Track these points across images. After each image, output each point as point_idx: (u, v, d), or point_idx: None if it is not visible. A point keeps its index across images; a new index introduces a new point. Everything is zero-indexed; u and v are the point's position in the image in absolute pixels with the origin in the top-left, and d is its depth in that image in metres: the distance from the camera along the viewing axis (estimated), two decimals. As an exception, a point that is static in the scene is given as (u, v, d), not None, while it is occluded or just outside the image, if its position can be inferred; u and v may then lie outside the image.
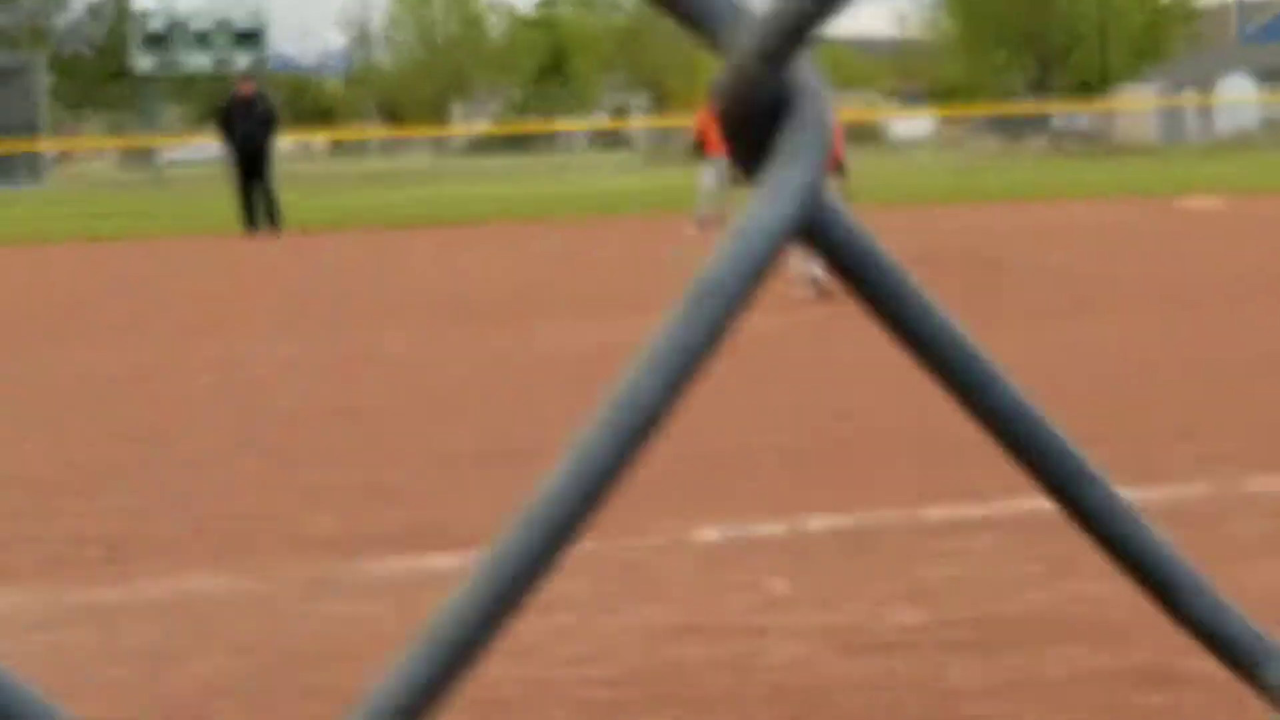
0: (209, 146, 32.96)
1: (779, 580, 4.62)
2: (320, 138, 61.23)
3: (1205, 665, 1.50)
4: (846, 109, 49.19)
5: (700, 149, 18.54)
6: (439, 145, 61.91)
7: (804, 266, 13.32)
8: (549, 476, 0.37)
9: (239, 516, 5.65)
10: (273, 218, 22.22)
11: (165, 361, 10.16)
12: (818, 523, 5.25)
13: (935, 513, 5.32)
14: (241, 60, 46.28)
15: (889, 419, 7.04)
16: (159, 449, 7.14)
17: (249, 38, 49.64)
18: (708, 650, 4.06)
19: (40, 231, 23.51)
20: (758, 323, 5.16)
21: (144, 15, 49.25)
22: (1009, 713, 3.70)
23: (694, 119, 20.75)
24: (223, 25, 49.18)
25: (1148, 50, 63.65)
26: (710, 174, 18.10)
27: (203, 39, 49.06)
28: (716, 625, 4.27)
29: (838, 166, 15.37)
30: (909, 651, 4.02)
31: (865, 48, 67.19)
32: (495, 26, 75.09)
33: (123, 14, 54.95)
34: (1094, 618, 4.13)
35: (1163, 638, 2.56)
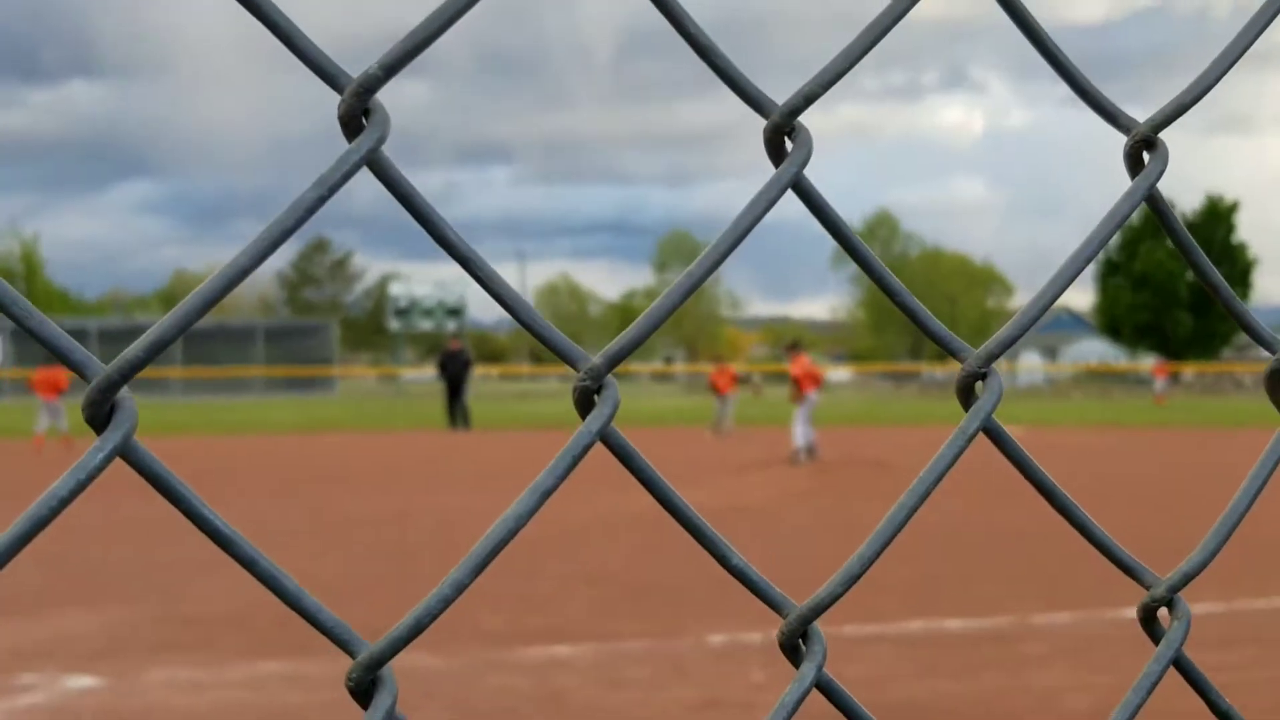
0: (430, 375, 49.20)
1: (759, 671, 6.96)
2: (495, 371, 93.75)
3: None
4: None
5: (713, 389, 30.89)
6: (564, 378, 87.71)
7: (802, 441, 19.93)
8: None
9: (448, 614, 8.48)
10: (466, 420, 33.23)
11: (406, 508, 15.01)
12: (781, 641, 7.98)
13: (850, 629, 7.98)
14: (451, 324, 69.80)
15: (827, 566, 9.98)
16: (404, 565, 10.50)
17: (455, 312, 76.81)
18: (717, 716, 6.16)
19: (333, 422, 36.55)
20: (752, 497, 9.38)
21: (395, 297, 78.45)
22: None
23: (709, 371, 34.57)
24: (440, 304, 76.61)
25: (979, 333, 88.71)
26: (719, 404, 30.05)
27: (429, 312, 77.19)
28: (722, 700, 6.38)
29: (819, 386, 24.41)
30: None
31: (810, 326, 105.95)
32: (595, 308, 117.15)
33: (383, 296, 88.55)
34: (945, 704, 6.29)
35: (988, 719, 5.41)
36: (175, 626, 8.26)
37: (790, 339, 24.69)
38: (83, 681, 6.77)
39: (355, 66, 0.66)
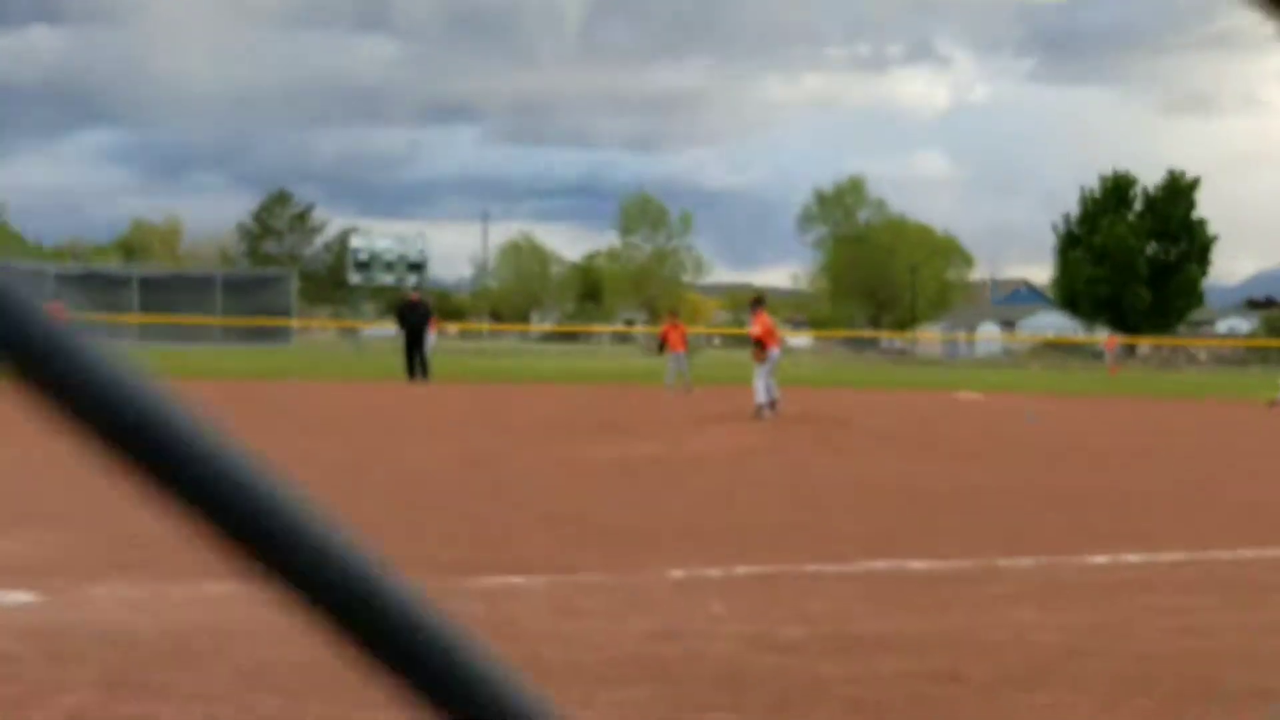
0: (390, 330, 48.86)
1: (718, 604, 6.76)
2: (453, 328, 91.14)
3: (981, 671, 4.88)
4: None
5: (661, 347, 30.76)
6: (523, 336, 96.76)
7: (764, 396, 20.79)
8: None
9: (400, 546, 8.25)
10: (425, 372, 32.65)
11: (361, 451, 14.83)
12: (742, 570, 7.76)
13: (813, 568, 7.82)
14: (412, 279, 69.62)
15: (788, 514, 10.46)
16: (355, 502, 10.27)
17: (417, 266, 76.29)
18: (675, 647, 5.84)
19: (286, 373, 35.60)
20: (709, 449, 9.18)
21: (356, 250, 77.52)
22: (854, 694, 5.15)
23: (659, 329, 33.86)
24: (402, 259, 76.05)
25: (938, 304, 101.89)
26: (670, 362, 30.11)
27: (389, 266, 76.53)
28: (681, 631, 6.13)
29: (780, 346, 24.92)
30: (796, 653, 5.75)
31: (772, 294, 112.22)
32: (558, 269, 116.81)
33: (344, 249, 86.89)
34: (909, 638, 6.08)
35: (954, 652, 5.30)
36: (118, 548, 7.99)
37: (754, 295, 24.51)
38: (19, 597, 6.52)
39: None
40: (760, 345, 22.44)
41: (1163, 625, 6.58)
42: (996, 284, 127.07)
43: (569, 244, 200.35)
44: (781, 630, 6.26)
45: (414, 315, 33.45)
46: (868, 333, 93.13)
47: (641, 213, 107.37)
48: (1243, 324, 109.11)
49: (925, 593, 7.26)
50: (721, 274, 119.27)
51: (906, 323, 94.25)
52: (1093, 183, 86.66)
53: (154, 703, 4.82)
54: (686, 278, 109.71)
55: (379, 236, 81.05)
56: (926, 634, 6.26)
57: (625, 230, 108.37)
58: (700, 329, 76.06)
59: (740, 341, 78.33)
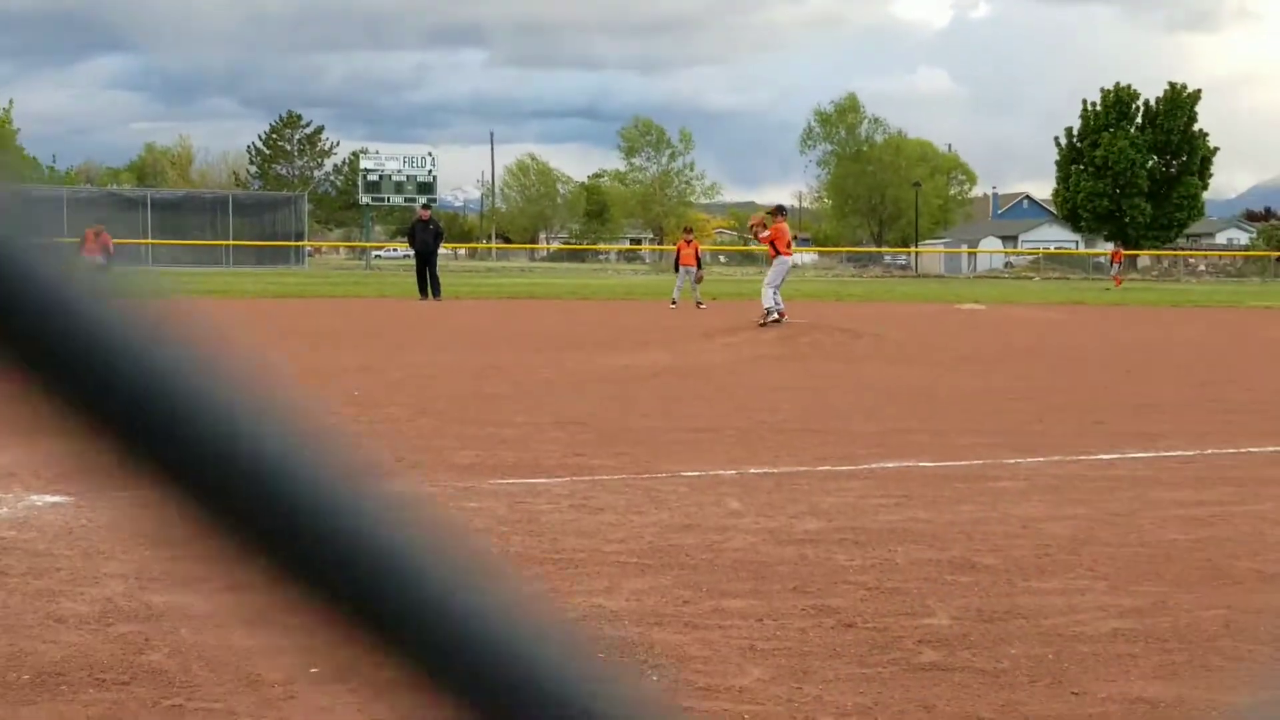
0: (399, 250, 53.73)
1: (734, 501, 6.90)
2: (463, 248, 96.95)
3: (994, 560, 5.06)
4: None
5: (675, 264, 31.59)
6: (531, 255, 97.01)
7: (770, 303, 21.16)
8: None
9: (419, 450, 8.44)
10: (436, 290, 32.65)
11: (377, 363, 15.01)
12: (756, 470, 7.89)
13: (825, 468, 7.95)
14: (421, 199, 68.47)
15: (798, 417, 10.58)
16: (373, 412, 10.41)
17: (426, 186, 77.63)
18: (694, 538, 5.97)
19: (301, 290, 37.12)
20: (718, 358, 9.37)
21: (366, 171, 78.59)
22: (871, 581, 5.27)
23: (674, 247, 35.13)
24: (411, 179, 77.45)
25: (940, 220, 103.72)
26: (680, 276, 30.92)
27: (399, 186, 77.97)
28: (699, 524, 6.26)
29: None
30: (813, 544, 5.89)
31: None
32: (564, 188, 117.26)
33: (354, 170, 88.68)
34: (922, 530, 6.20)
35: (967, 542, 5.44)
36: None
37: (776, 206, 24.56)
38: (50, 499, 6.65)
39: None
40: (773, 246, 22.87)
41: (1169, 515, 6.70)
42: (998, 198, 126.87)
43: (575, 163, 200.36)
44: (798, 524, 6.39)
45: (424, 233, 33.39)
46: (871, 249, 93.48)
47: (641, 136, 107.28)
48: (1241, 236, 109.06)
49: (936, 488, 7.38)
50: (725, 194, 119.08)
51: (909, 239, 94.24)
52: (1094, 98, 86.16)
53: (184, 593, 4.94)
54: (696, 199, 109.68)
55: (388, 158, 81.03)
56: (939, 526, 6.39)
57: (628, 153, 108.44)
58: (707, 246, 75.93)
59: (746, 258, 78.49)
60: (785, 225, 23.69)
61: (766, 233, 23.26)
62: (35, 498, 6.68)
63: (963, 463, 8.31)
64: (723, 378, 13.71)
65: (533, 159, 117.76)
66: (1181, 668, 4.29)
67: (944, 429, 9.96)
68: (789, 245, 23.36)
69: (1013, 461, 8.42)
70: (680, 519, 6.48)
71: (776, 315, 21.70)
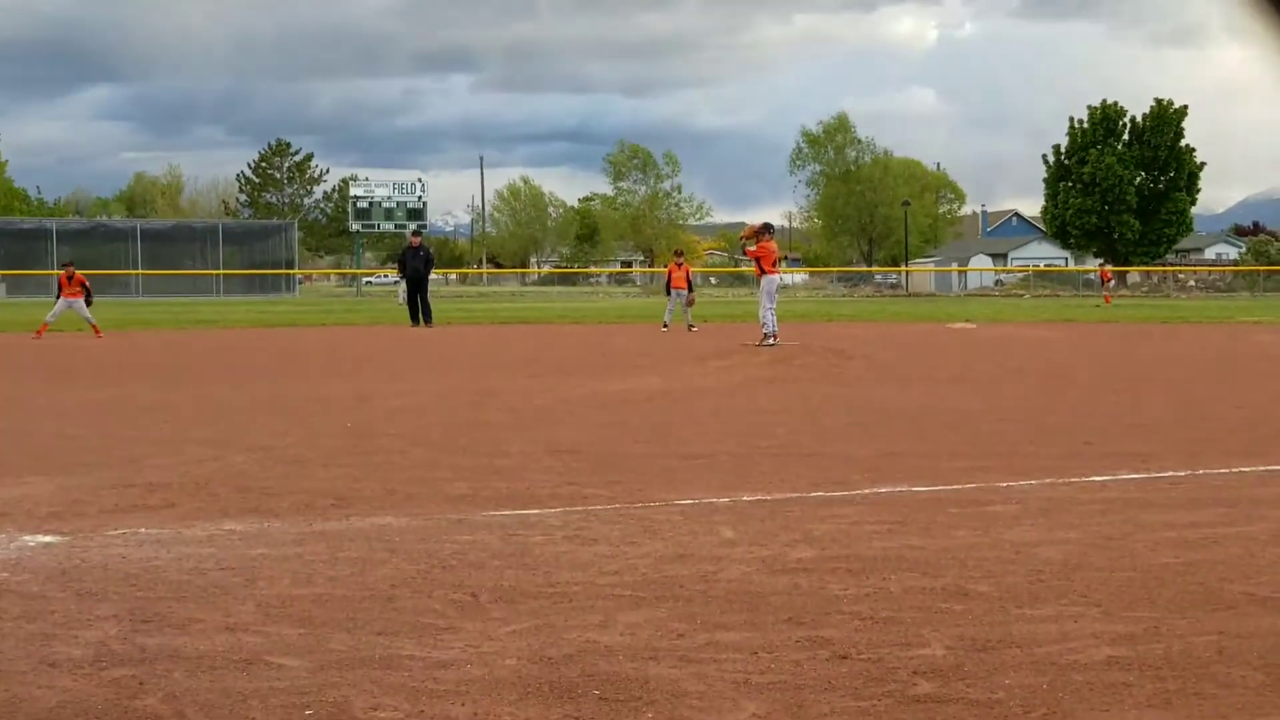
0: (390, 277, 52.98)
1: (728, 529, 6.87)
2: (454, 273, 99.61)
3: (987, 587, 5.07)
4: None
5: (667, 287, 31.58)
6: (522, 279, 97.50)
7: (771, 325, 21.20)
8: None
9: (412, 482, 8.45)
10: (428, 317, 32.86)
11: (369, 391, 15.04)
12: (749, 497, 7.89)
13: (818, 494, 7.96)
14: (411, 225, 69.67)
15: (791, 442, 10.61)
16: (367, 441, 10.39)
17: (416, 213, 77.96)
18: (688, 569, 5.93)
19: (293, 319, 37.49)
20: (711, 382, 9.38)
21: (356, 198, 79.07)
22: (865, 610, 5.22)
23: (665, 270, 34.65)
24: (400, 205, 77.97)
25: (930, 239, 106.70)
26: (671, 299, 31.03)
27: (389, 212, 78.41)
28: (693, 554, 6.23)
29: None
30: (807, 574, 5.85)
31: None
32: (555, 212, 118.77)
33: (344, 197, 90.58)
34: (916, 557, 6.18)
35: (960, 569, 5.46)
36: (136, 491, 8.12)
37: (764, 223, 24.59)
38: (42, 539, 6.64)
39: None
40: (759, 264, 23.07)
41: (1161, 538, 6.71)
42: (987, 216, 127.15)
43: (564, 186, 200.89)
44: (791, 552, 6.37)
45: (414, 259, 33.22)
46: (861, 269, 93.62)
47: (629, 160, 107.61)
48: (1230, 250, 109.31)
49: (930, 514, 7.39)
50: (715, 215, 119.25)
51: (899, 258, 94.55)
52: (1081, 115, 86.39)
53: (177, 635, 4.93)
54: (686, 220, 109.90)
55: (378, 184, 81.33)
56: (932, 552, 6.39)
57: (615, 177, 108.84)
58: (698, 268, 76.05)
59: (736, 280, 78.50)
60: (773, 244, 23.78)
61: (754, 247, 23.47)
62: (28, 538, 6.67)
63: (955, 486, 8.32)
64: (716, 402, 13.72)
65: (525, 181, 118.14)
66: (1175, 696, 4.29)
67: (936, 452, 9.99)
68: (775, 264, 23.56)
69: (1005, 485, 8.43)
70: (674, 549, 6.47)
71: (771, 340, 21.85)
